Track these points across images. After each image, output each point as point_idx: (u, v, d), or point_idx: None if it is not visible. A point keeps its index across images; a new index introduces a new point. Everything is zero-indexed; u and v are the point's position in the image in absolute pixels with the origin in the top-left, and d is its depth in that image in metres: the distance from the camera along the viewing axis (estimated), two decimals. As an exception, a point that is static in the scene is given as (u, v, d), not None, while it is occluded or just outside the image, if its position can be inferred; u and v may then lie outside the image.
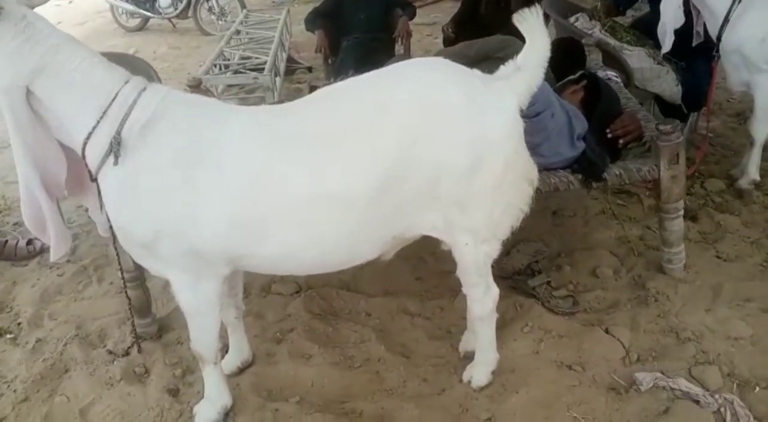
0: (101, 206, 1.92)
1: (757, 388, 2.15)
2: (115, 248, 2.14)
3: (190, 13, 8.06)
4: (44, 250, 3.29)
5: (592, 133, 2.52)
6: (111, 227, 2.03)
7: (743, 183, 3.41)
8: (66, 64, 1.77)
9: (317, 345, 2.52)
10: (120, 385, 2.39)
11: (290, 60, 6.06)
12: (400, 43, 4.60)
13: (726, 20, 3.22)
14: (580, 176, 2.44)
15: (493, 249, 2.01)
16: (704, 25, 3.45)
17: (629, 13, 4.62)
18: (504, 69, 1.93)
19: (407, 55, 4.57)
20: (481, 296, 2.10)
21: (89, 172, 1.93)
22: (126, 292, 2.35)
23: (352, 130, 1.78)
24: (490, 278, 2.09)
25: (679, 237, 2.64)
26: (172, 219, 1.79)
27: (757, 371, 2.21)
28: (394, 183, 1.78)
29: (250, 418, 2.18)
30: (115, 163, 1.77)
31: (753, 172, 3.41)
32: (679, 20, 3.41)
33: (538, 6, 1.89)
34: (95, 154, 1.81)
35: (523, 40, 1.91)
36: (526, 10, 1.89)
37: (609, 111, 2.60)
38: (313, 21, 4.59)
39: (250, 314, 2.71)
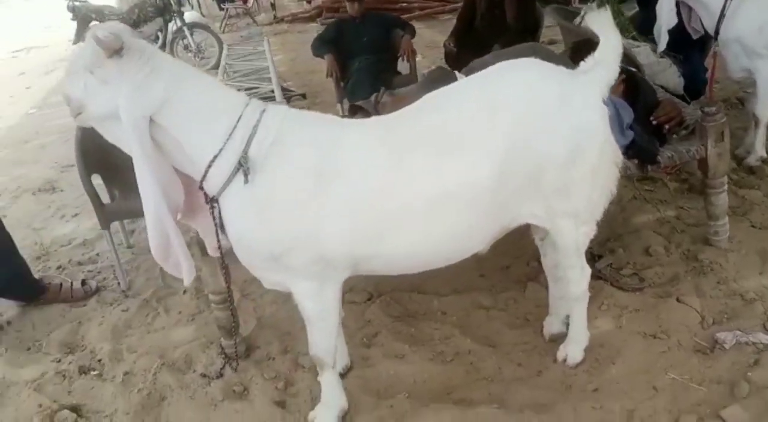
0: (220, 225, 2.00)
1: (828, 334, 2.36)
2: (223, 267, 2.22)
3: (166, 51, 8.09)
4: (99, 289, 3.31)
5: (638, 121, 2.72)
6: (220, 246, 2.12)
7: (752, 160, 3.69)
8: (191, 92, 1.87)
9: (407, 344, 2.62)
10: (224, 405, 2.43)
11: (283, 89, 6.18)
12: (404, 60, 4.77)
13: (722, 14, 3.51)
14: (635, 161, 2.63)
15: (591, 230, 2.16)
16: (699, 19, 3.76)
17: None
18: (584, 64, 2.10)
19: (413, 72, 4.76)
20: (579, 276, 2.25)
21: (205, 194, 2.02)
22: (231, 310, 2.39)
23: (466, 132, 1.91)
24: (584, 259, 2.24)
25: (724, 210, 2.86)
26: (305, 229, 1.88)
27: (823, 320, 2.42)
28: (506, 177, 1.92)
29: (369, 417, 2.26)
30: (246, 181, 1.86)
31: (759, 148, 3.70)
32: (673, 20, 3.71)
33: (608, 6, 2.08)
34: (219, 176, 1.89)
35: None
36: (596, 11, 2.08)
37: (649, 101, 2.81)
38: (320, 47, 4.74)
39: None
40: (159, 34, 8.17)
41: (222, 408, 2.42)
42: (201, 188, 2.02)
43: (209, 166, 1.89)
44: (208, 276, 2.48)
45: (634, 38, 3.83)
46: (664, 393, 2.20)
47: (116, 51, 1.76)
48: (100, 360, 2.76)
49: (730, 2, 3.47)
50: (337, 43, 4.75)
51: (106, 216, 3.18)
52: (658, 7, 3.72)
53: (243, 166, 1.85)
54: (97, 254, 3.72)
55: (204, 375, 2.59)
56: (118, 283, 3.33)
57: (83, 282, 3.27)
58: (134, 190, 3.13)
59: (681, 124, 2.80)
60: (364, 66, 4.50)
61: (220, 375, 2.58)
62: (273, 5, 11.68)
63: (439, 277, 2.93)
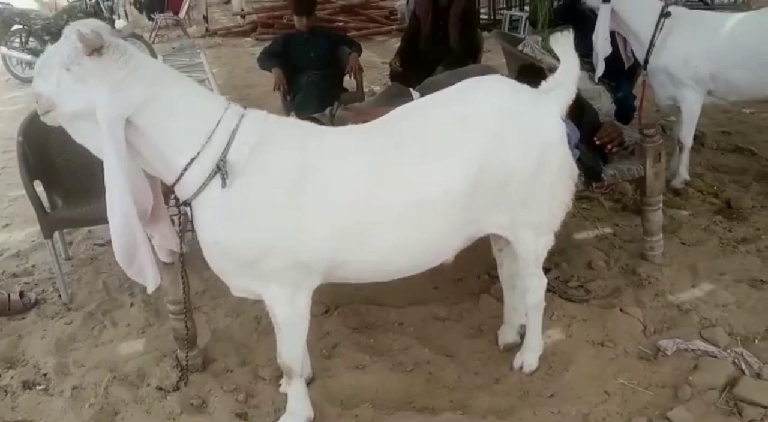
0: (190, 230, 1.99)
1: (756, 340, 2.58)
2: (183, 274, 2.20)
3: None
4: (39, 302, 3.17)
5: (582, 141, 2.90)
6: (182, 253, 2.11)
7: (676, 183, 3.98)
8: (171, 94, 1.86)
9: (366, 355, 2.66)
10: (182, 418, 2.38)
11: (223, 101, 6.12)
12: (351, 77, 4.84)
13: (651, 45, 3.80)
14: (581, 178, 2.79)
15: (550, 241, 2.29)
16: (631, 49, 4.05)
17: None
18: (545, 84, 2.24)
19: (360, 89, 4.84)
20: (536, 285, 2.37)
21: (176, 198, 2.01)
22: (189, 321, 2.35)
23: (442, 142, 1.99)
24: (541, 269, 2.36)
25: (659, 226, 3.07)
26: (283, 234, 1.90)
27: (750, 328, 2.65)
28: (478, 187, 2.01)
29: (335, 426, 2.27)
30: (224, 185, 1.86)
31: (684, 172, 4.00)
32: (608, 49, 3.98)
33: (569, 31, 2.23)
34: (194, 179, 1.88)
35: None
36: (558, 34, 2.24)
37: (592, 122, 3.00)
38: (267, 60, 4.74)
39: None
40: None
41: (180, 422, 2.36)
42: (171, 191, 2.01)
43: (185, 170, 1.88)
44: (168, 284, 2.43)
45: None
46: (615, 397, 2.33)
47: (96, 49, 1.73)
48: (45, 375, 2.64)
49: (658, 34, 3.77)
50: (283, 57, 4.76)
51: (49, 224, 3.05)
52: (594, 37, 3.98)
53: (221, 170, 1.85)
54: (33, 265, 3.55)
55: (160, 389, 2.52)
56: (59, 295, 3.19)
57: (21, 294, 3.11)
58: (79, 197, 3.10)
59: (621, 145, 3.00)
60: (313, 81, 4.53)
61: (177, 387, 2.52)
62: (206, 18, 11.54)
63: (394, 289, 3.00)
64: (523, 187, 2.09)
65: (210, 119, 1.88)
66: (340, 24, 10.41)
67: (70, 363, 2.70)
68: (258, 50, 5.53)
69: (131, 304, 3.12)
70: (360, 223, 1.95)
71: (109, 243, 3.64)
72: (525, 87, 2.20)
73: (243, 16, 11.77)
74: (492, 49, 5.53)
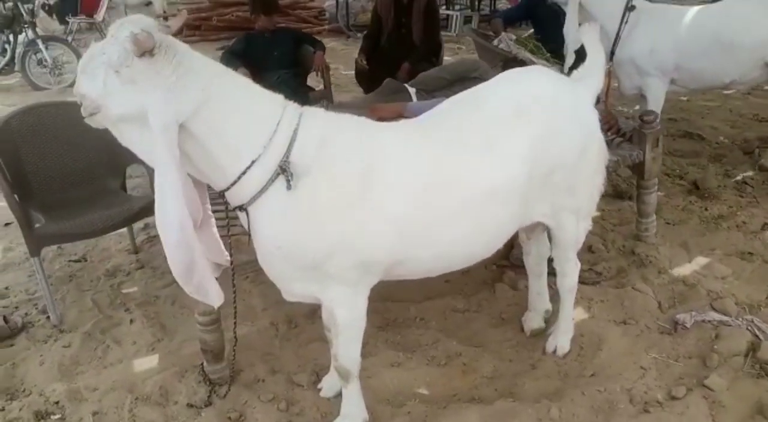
0: (249, 236, 1.90)
1: (761, 308, 2.76)
2: (234, 282, 2.10)
3: (17, 67, 7.30)
4: (26, 326, 2.92)
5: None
6: (231, 260, 2.02)
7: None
8: (228, 95, 1.76)
9: (399, 352, 2.63)
10: (225, 433, 2.27)
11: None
12: (318, 76, 4.78)
13: (617, 37, 3.98)
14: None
15: (588, 225, 2.35)
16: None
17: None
18: (576, 74, 2.31)
19: (327, 87, 4.77)
20: (572, 269, 2.43)
21: (226, 203, 1.91)
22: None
23: (497, 133, 2.00)
24: (576, 255, 2.43)
25: (653, 208, 3.23)
26: (350, 233, 1.84)
27: (753, 296, 2.84)
28: (533, 175, 2.04)
29: (392, 425, 2.24)
30: (289, 187, 1.77)
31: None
32: (578, 42, 4.12)
33: (595, 25, 2.31)
34: (254, 183, 1.79)
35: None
36: (584, 26, 2.31)
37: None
38: (230, 60, 4.55)
39: (317, 339, 2.72)
40: (6, 46, 7.36)
41: (223, 437, 2.25)
42: (222, 196, 1.91)
43: (243, 173, 1.78)
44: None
45: (547, 60, 4.19)
46: (651, 371, 2.43)
47: (148, 50, 1.62)
48: (57, 403, 2.43)
49: (624, 26, 3.95)
50: (246, 56, 4.63)
51: (36, 241, 2.81)
52: (565, 30, 4.12)
53: (286, 172, 1.77)
54: (6, 287, 3.26)
55: (191, 405, 2.38)
56: (47, 317, 2.95)
57: (5, 319, 2.85)
58: (60, 211, 2.88)
59: (618, 132, 3.13)
60: (284, 80, 4.44)
61: (209, 403, 2.39)
62: (124, 21, 10.99)
63: (408, 286, 2.96)
64: (569, 174, 2.14)
65: (270, 119, 1.79)
66: (282, 24, 10.20)
67: (81, 388, 2.50)
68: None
69: (131, 321, 2.93)
70: (425, 218, 1.92)
71: (84, 259, 3.48)
72: (563, 78, 2.25)
73: (166, 18, 11.30)
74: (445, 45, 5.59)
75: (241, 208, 1.86)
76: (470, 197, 1.95)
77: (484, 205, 1.98)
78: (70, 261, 3.52)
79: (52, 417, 2.37)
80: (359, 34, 10.96)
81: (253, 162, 1.77)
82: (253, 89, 1.84)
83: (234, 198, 1.86)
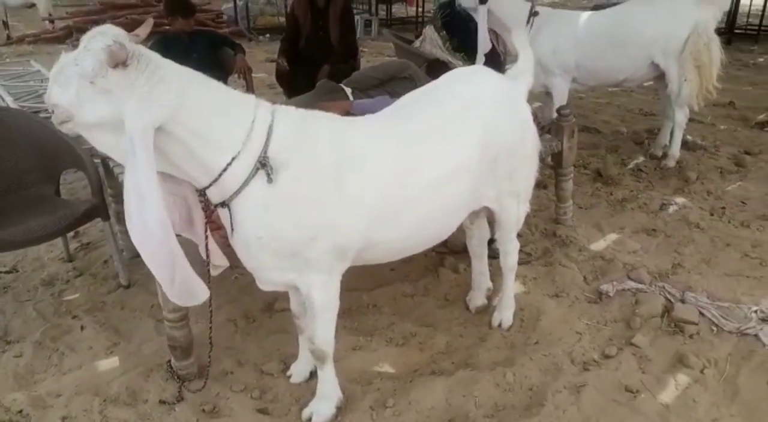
0: (231, 230, 1.99)
1: (669, 275, 3.16)
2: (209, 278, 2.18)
3: None
4: (-35, 338, 2.80)
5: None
6: (208, 256, 2.10)
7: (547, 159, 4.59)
8: (203, 97, 1.83)
9: (358, 336, 2.79)
10: (203, 425, 2.33)
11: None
12: (240, 78, 4.81)
13: None
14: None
15: (527, 208, 2.62)
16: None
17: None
18: (510, 72, 2.57)
19: (251, 89, 4.82)
20: (514, 249, 2.70)
21: (207, 201, 2.00)
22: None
23: (452, 124, 2.21)
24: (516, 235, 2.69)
25: (570, 194, 3.59)
26: (327, 221, 1.98)
27: (661, 266, 3.25)
28: (481, 160, 2.27)
29: (364, 402, 2.38)
30: (269, 180, 1.89)
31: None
32: (488, 46, 4.47)
33: (527, 27, 2.58)
34: (235, 178, 1.88)
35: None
36: (515, 31, 2.58)
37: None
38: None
39: (277, 331, 2.82)
40: None
41: (202, 429, 2.31)
42: (203, 195, 1.98)
43: (224, 170, 1.87)
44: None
45: (464, 60, 4.47)
46: (585, 335, 2.74)
47: (122, 61, 1.66)
48: (20, 412, 2.37)
49: (530, 30, 4.32)
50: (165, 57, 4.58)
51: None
52: (478, 35, 4.44)
53: (266, 166, 1.88)
54: (-68, 302, 3.09)
55: (163, 402, 2.42)
56: (-10, 329, 2.85)
57: (-58, 335, 2.73)
58: (3, 219, 2.80)
59: (538, 125, 3.44)
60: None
61: (181, 398, 2.44)
62: (6, 24, 10.32)
63: (357, 275, 3.13)
64: (510, 160, 2.38)
65: (245, 117, 1.88)
66: (168, 28, 9.96)
67: (44, 395, 2.46)
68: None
69: (82, 327, 2.89)
70: (393, 203, 2.09)
71: (15, 269, 3.36)
72: (503, 76, 2.50)
73: (52, 21, 10.73)
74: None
75: (223, 204, 1.94)
76: (433, 180, 2.15)
77: (443, 189, 2.18)
78: (0, 272, 3.38)
79: (18, 427, 2.33)
80: (261, 37, 10.98)
81: (233, 158, 1.86)
82: (226, 90, 1.91)
83: (216, 195, 1.94)
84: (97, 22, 7.20)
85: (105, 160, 3.17)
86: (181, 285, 1.96)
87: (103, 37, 1.69)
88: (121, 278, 3.21)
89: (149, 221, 1.79)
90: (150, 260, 1.86)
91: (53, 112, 1.74)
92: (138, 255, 3.31)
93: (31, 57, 9.39)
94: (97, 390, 2.49)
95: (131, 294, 3.15)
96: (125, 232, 3.43)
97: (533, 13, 4.32)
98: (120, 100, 1.68)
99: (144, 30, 1.93)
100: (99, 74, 1.65)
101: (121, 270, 3.19)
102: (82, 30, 8.09)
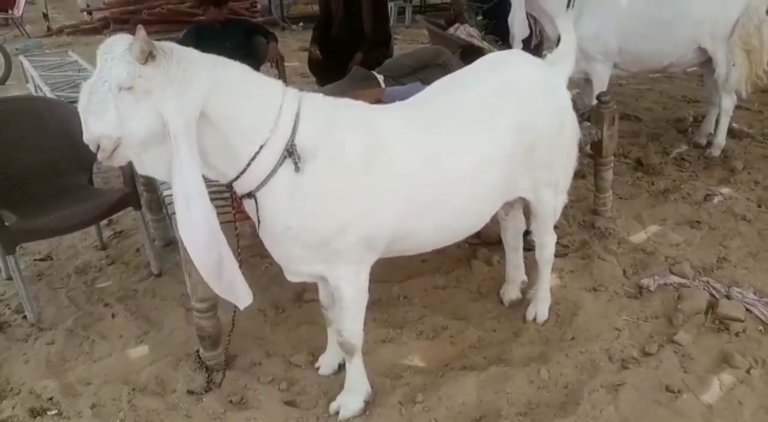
0: (258, 221, 1.94)
1: (714, 270, 3.02)
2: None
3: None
4: (2, 326, 2.84)
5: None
6: (238, 243, 2.06)
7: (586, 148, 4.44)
8: (232, 81, 1.78)
9: (388, 328, 2.73)
10: (229, 416, 2.30)
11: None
12: (272, 66, 4.78)
13: None
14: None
15: (565, 199, 2.52)
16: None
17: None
18: (550, 57, 2.47)
19: (283, 78, 4.78)
20: (550, 241, 2.60)
21: (233, 193, 1.95)
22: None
23: (486, 108, 2.12)
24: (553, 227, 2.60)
25: (609, 184, 3.46)
26: (357, 211, 1.92)
27: (705, 259, 3.10)
28: (517, 148, 2.18)
29: (392, 396, 2.33)
30: (297, 169, 1.83)
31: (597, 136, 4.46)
32: (525, 31, 4.33)
33: (569, 12, 2.47)
34: (262, 168, 1.83)
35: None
36: (561, 15, 2.47)
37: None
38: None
39: (305, 322, 2.78)
40: None
41: (229, 420, 2.28)
42: (229, 187, 1.94)
43: (252, 159, 1.82)
44: (197, 282, 2.31)
45: (500, 45, 4.37)
46: (624, 331, 2.63)
47: (150, 55, 1.62)
48: (51, 399, 2.40)
49: (571, 11, 4.15)
50: (197, 49, 4.57)
51: (11, 238, 2.74)
52: (510, 19, 4.31)
53: (293, 155, 1.83)
54: (-35, 288, 3.15)
55: (191, 392, 2.41)
56: (23, 316, 2.88)
57: (-22, 321, 2.77)
58: (39, 208, 2.82)
59: (577, 112, 3.32)
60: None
61: (209, 388, 2.42)
62: (46, 16, 10.51)
63: (389, 266, 3.06)
64: (547, 149, 2.29)
65: (273, 104, 1.83)
66: (202, 17, 10.03)
67: (74, 383, 2.48)
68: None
69: (113, 315, 2.90)
70: (425, 192, 2.02)
71: (49, 257, 3.39)
72: (540, 61, 2.39)
73: (90, 13, 10.89)
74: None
75: (250, 194, 1.90)
76: (465, 170, 2.07)
77: (477, 177, 2.10)
78: (35, 260, 3.43)
79: (48, 413, 2.34)
80: (294, 26, 10.96)
81: (261, 146, 1.81)
82: (252, 74, 1.86)
83: (243, 186, 1.89)
84: (134, 13, 7.37)
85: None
86: (227, 285, 1.93)
87: (120, 41, 1.65)
88: (152, 267, 3.21)
89: (196, 221, 1.77)
90: (196, 259, 1.84)
91: (98, 147, 1.71)
92: (169, 244, 3.37)
93: (69, 48, 9.58)
94: (127, 378, 2.50)
95: (162, 283, 3.15)
96: (157, 221, 3.48)
97: (573, -5, 4.16)
98: (160, 98, 1.64)
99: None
100: (135, 75, 1.61)
101: (152, 258, 3.20)
102: (119, 20, 8.26)
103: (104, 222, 3.64)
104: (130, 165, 2.98)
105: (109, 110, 1.64)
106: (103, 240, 3.54)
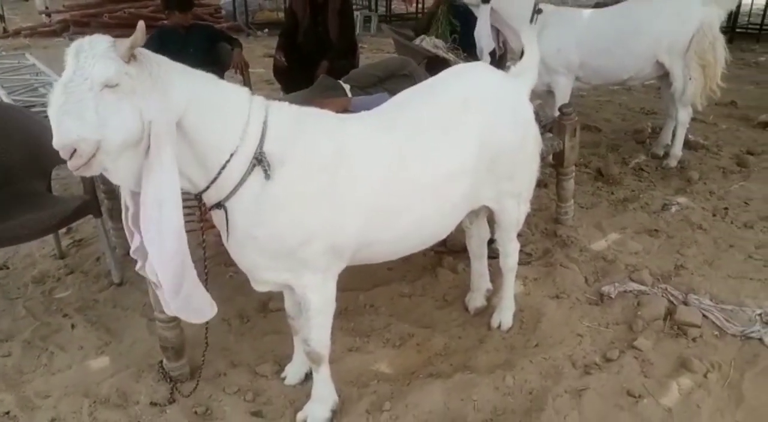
0: (227, 231, 1.93)
1: (672, 277, 3.11)
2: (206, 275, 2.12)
3: None
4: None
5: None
6: (205, 254, 2.04)
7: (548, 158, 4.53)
8: (204, 89, 1.77)
9: (354, 337, 2.73)
10: (195, 428, 2.27)
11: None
12: (237, 73, 4.75)
13: None
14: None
15: (527, 208, 2.56)
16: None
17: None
18: (514, 70, 2.51)
19: (248, 84, 4.75)
20: (514, 249, 2.64)
21: (201, 204, 1.94)
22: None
23: (450, 120, 2.15)
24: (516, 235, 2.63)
25: (571, 193, 3.53)
26: (323, 220, 1.92)
27: (663, 267, 3.19)
28: (480, 160, 2.21)
29: (359, 405, 2.33)
30: (267, 177, 1.83)
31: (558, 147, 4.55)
32: (491, 45, 4.41)
33: (533, 26, 2.52)
34: (232, 177, 1.82)
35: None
36: (524, 28, 2.52)
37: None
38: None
39: (271, 332, 2.76)
40: None
41: (195, 432, 2.25)
42: (198, 198, 1.92)
43: (223, 168, 1.81)
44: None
45: (457, 56, 4.43)
46: (586, 337, 2.69)
47: (133, 55, 1.60)
48: (8, 413, 2.32)
49: (535, 25, 4.23)
50: (161, 52, 4.51)
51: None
52: (476, 32, 4.38)
53: (263, 163, 1.82)
54: None
55: (154, 404, 2.36)
56: (-23, 328, 2.79)
57: (-71, 333, 2.67)
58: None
59: (540, 124, 3.38)
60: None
61: (173, 400, 2.38)
62: (2, 17, 10.23)
63: (355, 275, 3.07)
64: (510, 160, 2.32)
65: (241, 111, 1.83)
66: (165, 22, 9.89)
67: (32, 396, 2.41)
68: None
69: (72, 326, 2.83)
70: (390, 201, 2.04)
71: (5, 266, 3.30)
72: (504, 73, 2.44)
73: (49, 15, 10.64)
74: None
75: (219, 205, 1.88)
76: (430, 179, 2.09)
77: (441, 187, 2.12)
78: (-12, 270, 3.32)
79: (5, 428, 2.27)
80: (259, 32, 10.90)
81: (231, 154, 1.80)
82: (220, 83, 1.86)
83: (213, 196, 1.87)
84: (95, 16, 7.20)
85: (98, 156, 3.10)
86: (186, 299, 1.89)
87: (100, 39, 1.61)
88: (113, 276, 3.15)
89: (166, 229, 1.74)
90: (160, 268, 1.80)
91: (72, 156, 1.58)
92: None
93: (26, 50, 9.34)
94: (87, 390, 2.44)
95: (123, 293, 3.09)
96: (118, 229, 3.40)
97: (537, 11, 4.25)
98: (144, 97, 1.61)
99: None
100: (122, 72, 1.57)
101: (113, 267, 3.13)
102: (80, 23, 8.03)
103: (63, 230, 3.55)
104: (91, 172, 2.97)
105: (88, 111, 1.55)
106: (61, 248, 3.45)
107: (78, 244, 3.58)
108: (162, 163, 1.67)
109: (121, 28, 9.46)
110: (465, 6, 4.51)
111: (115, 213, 3.34)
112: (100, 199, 3.11)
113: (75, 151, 1.58)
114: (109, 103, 1.58)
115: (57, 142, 1.56)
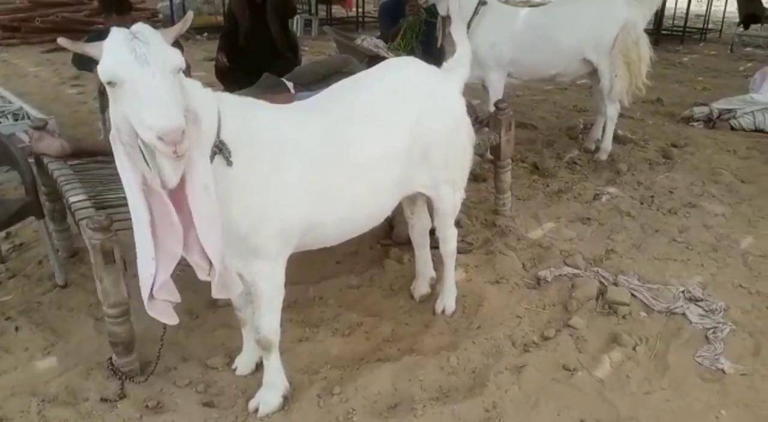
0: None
1: (603, 261, 3.30)
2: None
3: None
4: None
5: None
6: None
7: (489, 154, 4.70)
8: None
9: (304, 328, 2.80)
10: (147, 420, 2.29)
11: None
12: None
13: (468, 27, 4.35)
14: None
15: (463, 195, 2.68)
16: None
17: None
18: (446, 65, 2.64)
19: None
20: (452, 235, 2.77)
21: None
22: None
23: (382, 109, 2.27)
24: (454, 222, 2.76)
25: (508, 185, 3.70)
26: (271, 203, 2.00)
27: (595, 252, 3.39)
28: (411, 147, 2.32)
29: (311, 391, 2.39)
30: (229, 164, 1.89)
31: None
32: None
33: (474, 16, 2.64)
34: None
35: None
36: (455, 23, 2.66)
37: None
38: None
39: (221, 326, 2.80)
40: None
41: (147, 425, 2.27)
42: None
43: None
44: (110, 287, 2.30)
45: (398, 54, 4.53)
46: (525, 319, 2.84)
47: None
48: (-48, 416, 2.29)
49: (475, 18, 4.36)
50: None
51: None
52: (453, 31, 4.47)
53: (223, 151, 1.88)
54: None
55: (105, 400, 2.37)
56: None
57: None
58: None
59: (476, 119, 3.54)
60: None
61: (124, 395, 2.40)
62: None
63: (304, 268, 3.17)
64: (443, 150, 2.44)
65: (197, 101, 1.89)
66: (102, 26, 9.69)
67: (-24, 399, 2.38)
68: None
69: (16, 328, 2.79)
70: (328, 184, 2.13)
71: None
72: (434, 68, 2.56)
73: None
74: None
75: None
76: (363, 163, 2.20)
77: (373, 170, 2.23)
78: None
79: (-51, 432, 2.24)
80: (198, 36, 10.79)
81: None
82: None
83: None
84: (25, 20, 7.05)
85: (39, 158, 3.07)
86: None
87: (147, 29, 1.64)
88: (57, 278, 3.11)
89: (215, 211, 1.79)
90: (215, 249, 1.80)
91: (180, 143, 1.54)
92: (74, 255, 3.28)
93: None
94: (35, 390, 2.42)
95: (68, 294, 3.06)
96: (61, 231, 3.37)
97: (482, 2, 4.36)
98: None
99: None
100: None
101: (57, 269, 3.10)
102: (9, 28, 7.83)
103: (2, 234, 3.49)
104: (31, 173, 2.94)
105: (179, 93, 1.61)
106: (1, 253, 3.38)
107: (18, 249, 3.51)
108: (201, 145, 1.74)
109: (54, 32, 9.25)
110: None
111: (57, 216, 3.32)
112: (41, 200, 3.07)
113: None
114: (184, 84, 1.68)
115: (170, 125, 1.52)
